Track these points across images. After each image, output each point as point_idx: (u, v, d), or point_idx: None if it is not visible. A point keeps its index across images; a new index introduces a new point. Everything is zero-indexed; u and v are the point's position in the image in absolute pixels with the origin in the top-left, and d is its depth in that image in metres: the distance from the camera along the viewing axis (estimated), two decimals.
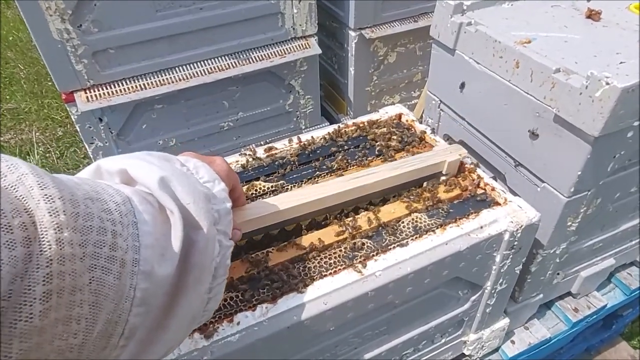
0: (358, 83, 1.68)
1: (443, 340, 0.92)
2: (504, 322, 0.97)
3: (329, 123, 1.76)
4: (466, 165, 0.85)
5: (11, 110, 2.66)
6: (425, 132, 0.92)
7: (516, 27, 0.87)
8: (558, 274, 1.02)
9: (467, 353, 0.99)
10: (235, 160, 0.85)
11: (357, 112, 1.75)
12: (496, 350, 1.05)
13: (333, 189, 0.74)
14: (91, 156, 1.37)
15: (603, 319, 1.29)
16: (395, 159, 0.87)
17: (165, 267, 0.40)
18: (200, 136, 1.51)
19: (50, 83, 2.83)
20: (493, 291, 0.85)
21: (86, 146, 1.35)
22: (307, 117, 1.67)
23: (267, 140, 1.63)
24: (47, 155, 2.40)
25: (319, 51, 1.47)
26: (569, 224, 0.87)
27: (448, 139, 1.08)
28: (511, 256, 0.79)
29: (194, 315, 0.46)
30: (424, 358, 0.92)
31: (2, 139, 2.47)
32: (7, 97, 2.74)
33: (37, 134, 2.51)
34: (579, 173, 0.76)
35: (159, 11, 1.21)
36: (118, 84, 1.26)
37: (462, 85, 0.96)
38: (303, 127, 1.69)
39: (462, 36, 0.91)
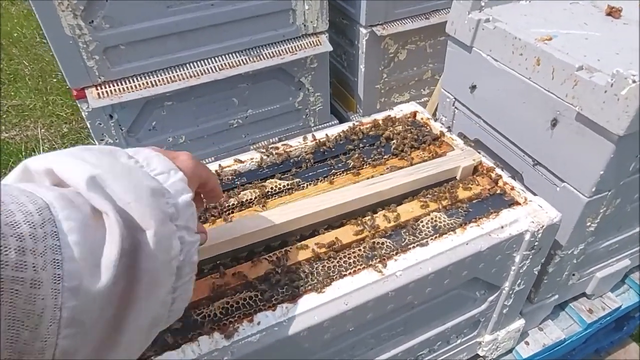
0: (368, 80, 1.67)
1: (458, 341, 0.91)
2: (519, 323, 0.96)
3: (338, 121, 1.74)
4: (484, 164, 0.84)
5: (16, 107, 2.66)
6: (442, 132, 0.91)
7: (535, 24, 0.86)
8: (574, 274, 1.01)
9: (481, 354, 0.98)
10: (251, 158, 0.84)
11: (366, 110, 1.74)
12: (510, 351, 1.04)
13: (348, 196, 0.74)
14: None
15: (615, 320, 1.28)
16: (412, 158, 0.86)
17: (99, 278, 0.36)
18: (209, 133, 1.50)
19: (55, 80, 2.82)
20: (511, 292, 0.83)
21: (96, 143, 1.34)
22: (317, 114, 1.66)
23: (277, 139, 1.62)
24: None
25: (330, 48, 1.46)
26: (588, 224, 0.86)
27: (463, 137, 1.07)
28: (531, 257, 0.78)
29: (155, 320, 0.42)
30: (439, 359, 0.91)
31: (7, 135, 2.46)
32: (12, 93, 2.73)
33: (42, 130, 2.50)
34: (602, 173, 0.75)
35: (169, 7, 1.20)
36: (129, 81, 1.25)
37: (473, 87, 0.95)
38: (312, 125, 1.68)
39: (479, 33, 0.90)
